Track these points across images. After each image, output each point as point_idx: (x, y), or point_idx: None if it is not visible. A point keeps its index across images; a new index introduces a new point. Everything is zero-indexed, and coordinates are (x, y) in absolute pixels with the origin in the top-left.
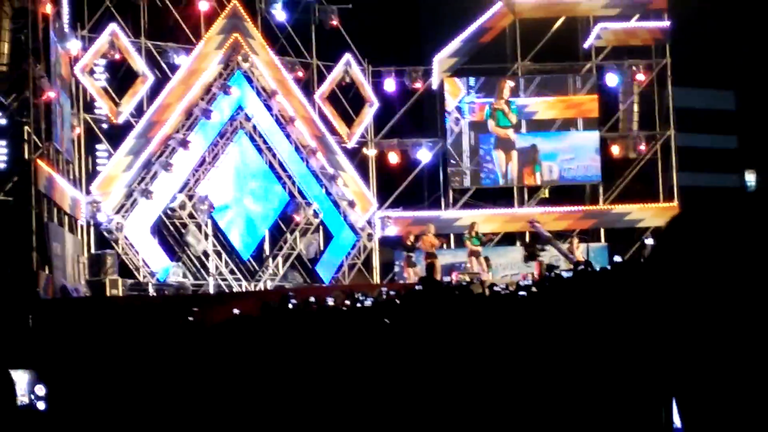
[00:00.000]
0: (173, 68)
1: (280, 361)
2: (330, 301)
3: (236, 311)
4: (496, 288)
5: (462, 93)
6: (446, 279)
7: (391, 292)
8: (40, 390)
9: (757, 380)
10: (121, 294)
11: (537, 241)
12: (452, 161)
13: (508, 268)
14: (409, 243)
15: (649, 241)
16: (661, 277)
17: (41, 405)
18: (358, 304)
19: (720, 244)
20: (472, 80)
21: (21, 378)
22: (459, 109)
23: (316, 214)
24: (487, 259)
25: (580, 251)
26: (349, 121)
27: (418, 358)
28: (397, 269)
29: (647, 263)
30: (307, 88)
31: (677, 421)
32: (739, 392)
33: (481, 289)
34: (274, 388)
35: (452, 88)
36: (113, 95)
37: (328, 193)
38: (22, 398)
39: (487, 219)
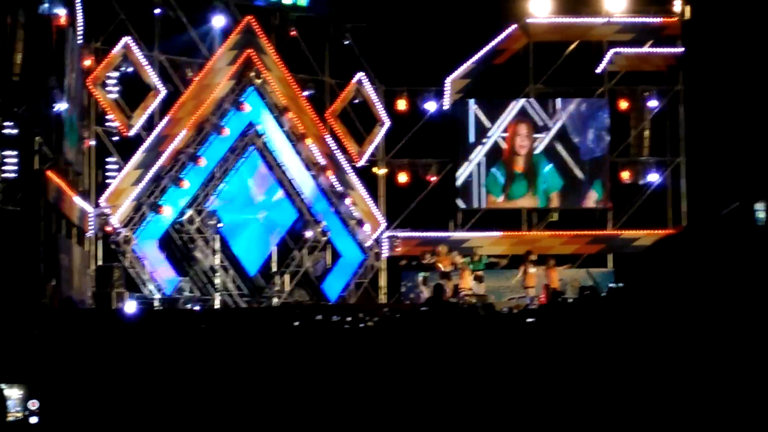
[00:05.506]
0: (186, 83)
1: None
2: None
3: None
4: (503, 311)
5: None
6: (453, 300)
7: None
8: (33, 405)
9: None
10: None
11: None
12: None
13: (514, 291)
14: (424, 262)
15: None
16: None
17: (33, 419)
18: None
19: (697, 266)
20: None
21: (14, 393)
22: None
23: (324, 232)
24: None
25: (556, 276)
26: (359, 140)
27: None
28: (404, 289)
29: (629, 282)
30: (319, 105)
31: None
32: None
33: (483, 313)
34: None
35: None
36: (125, 108)
37: (337, 212)
38: (16, 413)
39: (495, 242)
